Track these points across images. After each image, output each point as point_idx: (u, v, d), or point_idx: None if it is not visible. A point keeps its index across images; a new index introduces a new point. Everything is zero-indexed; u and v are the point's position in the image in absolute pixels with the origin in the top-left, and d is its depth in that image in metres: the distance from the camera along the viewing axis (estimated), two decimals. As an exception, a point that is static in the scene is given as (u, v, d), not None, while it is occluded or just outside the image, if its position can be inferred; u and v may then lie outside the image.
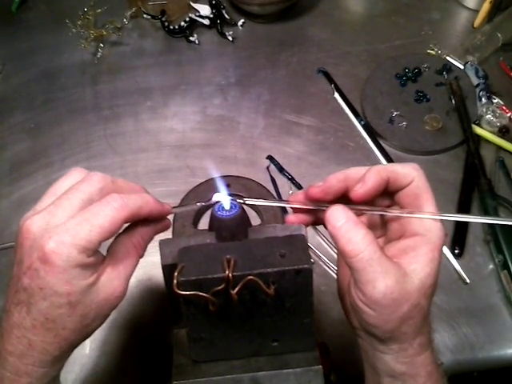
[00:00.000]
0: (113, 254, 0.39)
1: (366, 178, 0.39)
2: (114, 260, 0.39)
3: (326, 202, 0.40)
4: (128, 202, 0.37)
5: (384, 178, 0.39)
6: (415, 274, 0.37)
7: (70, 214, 0.36)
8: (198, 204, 0.45)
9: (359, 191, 0.39)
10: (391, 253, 0.39)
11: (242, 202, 0.42)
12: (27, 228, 0.36)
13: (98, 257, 0.37)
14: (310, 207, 0.42)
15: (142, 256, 0.41)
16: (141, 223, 0.41)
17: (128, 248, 0.39)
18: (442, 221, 0.39)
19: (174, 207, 0.43)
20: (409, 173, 0.39)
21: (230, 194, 0.43)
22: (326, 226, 0.46)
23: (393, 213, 0.41)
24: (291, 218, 0.43)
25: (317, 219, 0.44)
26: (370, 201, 0.40)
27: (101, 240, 0.36)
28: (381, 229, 0.44)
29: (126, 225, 0.40)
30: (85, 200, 0.37)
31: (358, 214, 0.41)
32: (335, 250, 0.68)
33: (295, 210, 0.43)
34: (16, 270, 0.37)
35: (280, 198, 0.73)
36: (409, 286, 0.37)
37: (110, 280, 0.38)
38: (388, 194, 0.41)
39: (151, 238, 0.42)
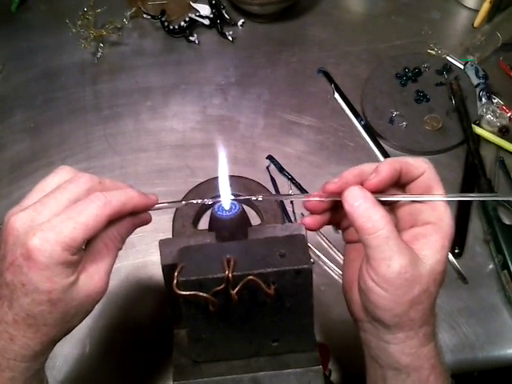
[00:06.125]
0: (90, 250, 0.39)
1: (379, 168, 0.39)
2: (92, 255, 0.39)
3: None
4: (111, 200, 0.38)
5: (397, 168, 0.40)
6: (427, 259, 0.38)
7: (55, 212, 0.37)
8: (183, 203, 0.45)
9: (373, 181, 0.39)
10: (403, 239, 0.39)
11: (255, 198, 0.43)
12: (12, 224, 0.36)
13: (80, 255, 0.37)
14: (326, 199, 0.42)
15: (120, 249, 0.41)
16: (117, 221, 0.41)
17: (105, 242, 0.39)
18: None
19: (159, 203, 0.43)
20: (421, 165, 0.40)
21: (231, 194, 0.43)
22: (337, 226, 0.46)
23: (406, 197, 0.41)
24: (307, 219, 0.43)
25: (332, 219, 0.44)
26: (383, 192, 0.41)
27: (85, 238, 0.36)
28: (392, 220, 0.44)
29: None
30: (71, 200, 0.37)
31: None
32: (335, 250, 0.69)
33: (313, 212, 0.43)
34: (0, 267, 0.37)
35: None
36: (421, 269, 0.37)
37: (89, 276, 0.38)
38: (399, 186, 0.42)
39: (129, 232, 0.42)
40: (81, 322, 0.40)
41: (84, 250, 0.39)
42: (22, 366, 0.38)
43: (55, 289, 0.36)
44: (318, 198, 0.42)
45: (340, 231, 0.47)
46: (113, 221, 0.39)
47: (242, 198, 0.43)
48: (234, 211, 0.41)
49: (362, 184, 0.40)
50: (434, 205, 0.40)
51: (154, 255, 0.69)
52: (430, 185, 0.40)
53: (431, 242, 0.38)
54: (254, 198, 0.43)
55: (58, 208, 0.37)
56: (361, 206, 0.38)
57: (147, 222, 0.43)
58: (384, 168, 0.39)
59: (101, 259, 0.39)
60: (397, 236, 0.37)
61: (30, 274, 0.35)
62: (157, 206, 0.43)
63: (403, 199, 0.41)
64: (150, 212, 0.43)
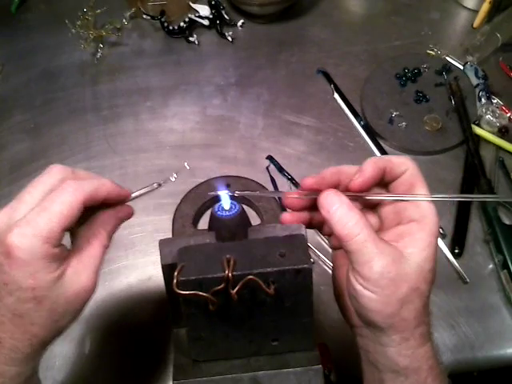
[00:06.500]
0: (75, 247, 0.39)
1: (363, 168, 0.39)
2: (78, 253, 0.39)
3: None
4: (83, 186, 0.37)
5: (381, 167, 0.40)
6: (412, 257, 0.38)
7: (30, 206, 0.37)
8: (155, 185, 0.45)
9: (357, 181, 0.39)
10: (387, 238, 0.39)
11: (232, 194, 0.42)
12: None
13: (63, 249, 0.37)
14: (303, 197, 0.42)
15: (106, 246, 0.41)
16: (100, 214, 0.41)
17: (89, 239, 0.40)
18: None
19: (133, 192, 0.43)
20: (403, 162, 0.40)
21: (230, 195, 0.43)
22: (320, 230, 0.46)
23: (385, 196, 0.41)
24: (287, 215, 0.43)
25: (311, 219, 0.44)
26: (367, 191, 0.41)
27: (62, 227, 0.36)
28: (375, 220, 0.44)
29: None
30: (46, 191, 0.38)
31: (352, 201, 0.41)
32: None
33: (291, 209, 0.43)
34: None
35: (279, 198, 0.73)
36: (406, 267, 0.37)
37: (76, 273, 0.38)
38: (382, 184, 0.42)
39: (113, 227, 0.42)
40: (71, 322, 0.39)
41: (68, 250, 0.39)
42: (11, 371, 0.37)
43: (39, 285, 0.35)
44: (296, 196, 0.42)
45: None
46: (96, 217, 0.40)
47: (212, 194, 0.43)
48: (234, 211, 0.41)
49: (339, 183, 0.41)
50: (417, 202, 0.40)
51: (153, 255, 0.69)
52: (412, 182, 0.40)
53: (416, 240, 0.38)
54: (230, 194, 0.43)
55: (33, 202, 0.37)
56: (337, 212, 0.38)
57: (129, 214, 0.43)
58: (368, 167, 0.39)
59: (87, 257, 0.39)
60: (375, 238, 0.37)
61: (12, 272, 0.35)
62: (133, 194, 0.43)
63: (389, 198, 0.41)
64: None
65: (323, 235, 0.46)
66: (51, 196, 0.37)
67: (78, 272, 0.38)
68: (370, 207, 0.44)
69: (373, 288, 0.37)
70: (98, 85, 0.89)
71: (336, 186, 0.41)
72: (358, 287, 0.38)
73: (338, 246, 0.45)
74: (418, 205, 0.39)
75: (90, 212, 0.41)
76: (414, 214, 0.39)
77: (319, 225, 0.45)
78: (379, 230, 0.42)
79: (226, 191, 0.42)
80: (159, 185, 0.45)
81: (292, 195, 0.42)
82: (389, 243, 0.38)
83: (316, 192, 0.40)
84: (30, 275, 0.35)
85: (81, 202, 0.37)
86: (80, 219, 0.40)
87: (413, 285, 0.37)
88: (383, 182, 0.41)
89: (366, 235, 0.37)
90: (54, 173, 0.39)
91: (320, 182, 0.40)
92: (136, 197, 0.44)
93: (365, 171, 0.39)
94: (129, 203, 0.44)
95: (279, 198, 0.73)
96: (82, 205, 0.37)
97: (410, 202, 0.40)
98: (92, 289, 0.39)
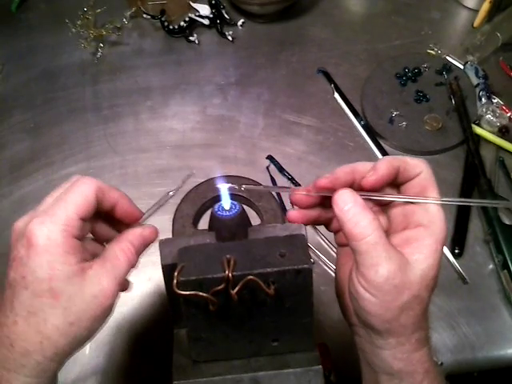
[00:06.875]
0: (101, 256, 0.40)
1: (377, 166, 0.39)
2: (102, 260, 0.39)
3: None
4: (97, 180, 0.40)
5: (395, 166, 0.39)
6: (418, 264, 0.37)
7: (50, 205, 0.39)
8: (171, 193, 0.45)
9: (370, 178, 0.39)
10: (394, 243, 0.39)
11: (239, 187, 0.42)
12: (14, 228, 0.39)
13: (83, 247, 0.38)
14: (315, 194, 0.41)
15: (133, 263, 0.41)
16: (127, 230, 0.42)
17: (115, 251, 0.40)
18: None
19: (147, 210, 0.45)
20: (418, 164, 0.40)
21: (231, 194, 0.43)
22: (326, 227, 0.46)
23: (400, 198, 0.41)
24: (293, 213, 0.43)
25: (318, 216, 0.44)
26: (379, 190, 0.41)
27: (79, 215, 0.37)
28: (384, 221, 0.43)
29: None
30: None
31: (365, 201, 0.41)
32: (335, 250, 0.68)
33: (298, 206, 0.43)
34: (7, 270, 0.37)
35: (279, 198, 0.73)
36: (411, 274, 0.37)
37: (97, 276, 0.38)
38: (394, 185, 0.41)
39: (140, 245, 0.42)
40: (87, 332, 0.38)
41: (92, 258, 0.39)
42: (20, 382, 0.36)
43: (56, 276, 0.36)
44: (304, 192, 0.41)
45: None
46: (125, 234, 0.42)
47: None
48: (234, 211, 0.41)
49: (353, 182, 0.40)
50: (426, 206, 0.39)
51: (153, 255, 0.69)
52: (425, 186, 0.40)
53: (423, 246, 0.38)
54: (237, 187, 0.43)
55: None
56: (350, 210, 0.37)
57: (153, 233, 0.44)
58: (382, 166, 0.39)
59: (111, 265, 0.39)
60: (385, 242, 0.37)
61: (30, 262, 0.35)
62: (146, 215, 0.44)
63: (398, 199, 0.41)
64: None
65: (330, 231, 0.46)
66: (66, 189, 0.39)
67: (100, 275, 0.38)
68: (380, 207, 0.43)
69: (375, 292, 0.37)
70: (98, 84, 0.89)
71: (350, 185, 0.40)
72: (360, 289, 0.37)
73: (343, 243, 0.45)
74: (426, 209, 0.39)
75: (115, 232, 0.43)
76: (423, 218, 0.39)
77: (327, 221, 0.45)
78: (387, 231, 0.42)
79: (234, 185, 0.42)
80: (174, 193, 0.46)
81: (300, 192, 0.42)
82: (396, 249, 0.38)
83: (329, 191, 0.40)
84: (48, 264, 0.35)
85: (94, 193, 0.38)
86: (107, 239, 0.43)
87: (415, 292, 0.37)
88: (396, 182, 0.41)
89: (378, 237, 0.37)
90: (72, 179, 0.41)
91: (334, 182, 0.40)
92: (152, 213, 0.44)
93: (379, 169, 0.39)
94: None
95: (279, 198, 0.73)
96: (96, 197, 0.39)
97: (419, 205, 0.40)
98: (111, 297, 0.38)
